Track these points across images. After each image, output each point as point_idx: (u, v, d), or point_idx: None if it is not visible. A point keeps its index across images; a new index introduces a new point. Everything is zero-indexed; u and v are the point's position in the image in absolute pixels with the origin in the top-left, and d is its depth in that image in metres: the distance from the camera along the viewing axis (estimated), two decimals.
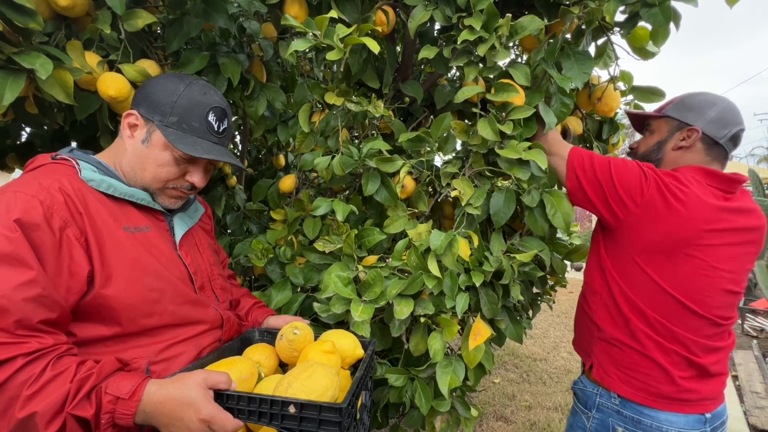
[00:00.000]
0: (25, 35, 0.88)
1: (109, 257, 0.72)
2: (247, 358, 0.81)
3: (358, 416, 0.78)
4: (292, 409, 0.63)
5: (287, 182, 1.57)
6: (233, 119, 2.29)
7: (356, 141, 1.49)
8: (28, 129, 1.63)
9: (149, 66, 1.10)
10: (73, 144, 1.62)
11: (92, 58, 1.03)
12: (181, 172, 0.84)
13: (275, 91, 1.41)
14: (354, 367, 0.91)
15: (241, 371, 0.72)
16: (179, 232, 0.87)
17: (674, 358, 1.01)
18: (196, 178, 0.85)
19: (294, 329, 0.83)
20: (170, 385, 0.64)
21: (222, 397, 0.65)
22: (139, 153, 0.81)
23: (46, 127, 1.58)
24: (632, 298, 1.05)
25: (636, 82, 1.34)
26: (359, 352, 0.89)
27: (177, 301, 0.79)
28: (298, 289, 1.35)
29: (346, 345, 0.87)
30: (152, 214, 0.84)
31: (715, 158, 1.07)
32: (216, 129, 0.84)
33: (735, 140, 1.06)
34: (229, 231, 1.88)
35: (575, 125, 1.36)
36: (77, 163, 0.76)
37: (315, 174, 1.66)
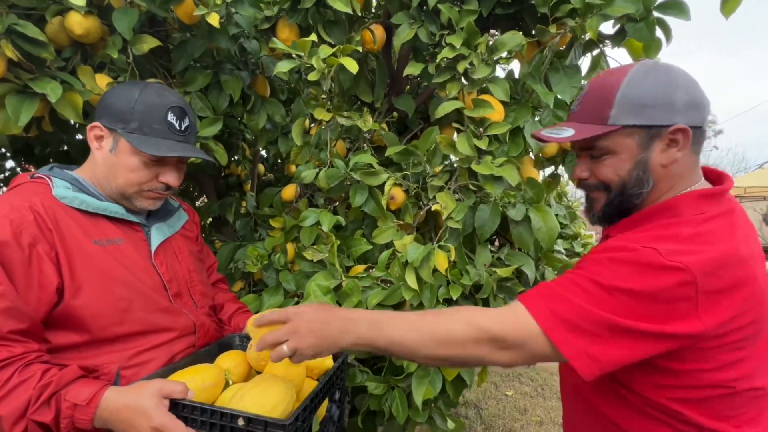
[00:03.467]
0: (39, 63, 0.99)
1: (78, 270, 0.76)
2: (216, 365, 0.85)
3: (316, 428, 0.80)
4: (240, 422, 0.65)
5: (289, 191, 1.64)
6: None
7: (351, 153, 1.53)
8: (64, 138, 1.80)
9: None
10: None
11: (103, 80, 1.14)
12: (153, 175, 0.86)
13: (275, 105, 1.48)
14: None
15: (204, 380, 0.76)
16: (155, 241, 0.92)
17: None
18: (169, 178, 0.88)
19: None
20: (127, 393, 0.68)
21: (178, 406, 0.69)
22: (109, 162, 0.84)
23: (80, 138, 1.74)
24: None
25: None
26: (328, 362, 0.91)
27: (147, 309, 0.84)
28: (291, 295, 1.41)
29: None
30: (128, 225, 0.88)
31: (699, 149, 0.77)
32: (178, 128, 0.86)
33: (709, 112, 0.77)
34: (240, 235, 1.98)
35: (530, 170, 1.27)
36: (51, 181, 0.82)
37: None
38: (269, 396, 0.72)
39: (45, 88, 0.93)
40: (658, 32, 1.07)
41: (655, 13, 1.02)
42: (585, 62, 1.37)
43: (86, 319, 0.76)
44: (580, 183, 0.82)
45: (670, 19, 1.05)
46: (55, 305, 0.75)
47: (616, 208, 0.78)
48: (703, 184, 0.76)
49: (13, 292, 0.70)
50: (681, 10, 1.02)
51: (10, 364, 0.67)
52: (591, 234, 2.91)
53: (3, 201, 0.76)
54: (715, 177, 0.80)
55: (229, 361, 0.89)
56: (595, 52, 1.28)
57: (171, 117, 0.86)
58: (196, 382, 0.75)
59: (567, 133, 0.77)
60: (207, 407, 0.68)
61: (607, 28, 1.16)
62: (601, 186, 0.78)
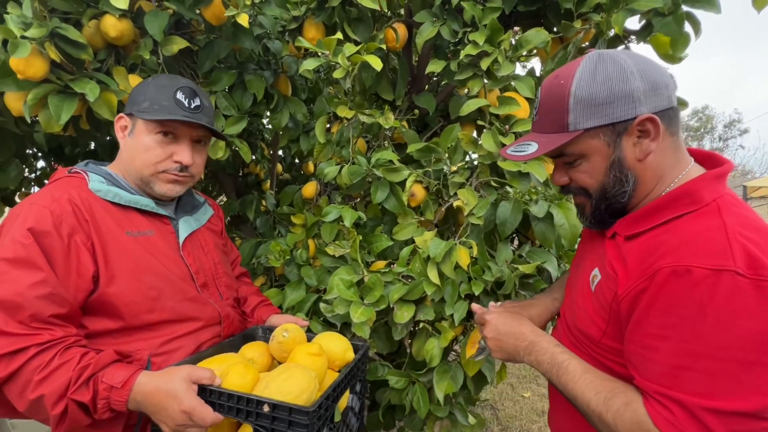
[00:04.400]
0: (78, 64, 1.03)
1: (112, 259, 0.80)
2: (240, 355, 0.88)
3: (338, 418, 0.82)
4: (266, 408, 0.68)
5: (309, 188, 1.67)
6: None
7: (371, 150, 1.55)
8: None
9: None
10: None
11: (136, 81, 1.18)
12: (167, 154, 0.88)
13: (297, 104, 1.51)
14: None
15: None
16: (183, 234, 0.95)
17: None
18: (183, 156, 0.89)
19: (284, 331, 0.88)
20: (158, 377, 0.71)
21: (206, 391, 0.72)
22: (129, 146, 0.89)
23: (109, 138, 1.81)
24: None
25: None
26: (349, 355, 0.93)
27: (176, 298, 0.87)
28: (312, 290, 1.43)
29: (336, 348, 0.91)
30: (158, 218, 0.92)
31: (675, 129, 0.71)
32: (186, 105, 0.88)
33: (675, 86, 0.73)
34: (260, 233, 2.02)
35: (549, 167, 1.17)
36: (87, 176, 0.86)
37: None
38: (293, 384, 0.74)
39: (84, 88, 0.98)
40: (687, 27, 1.05)
41: (684, 7, 1.00)
42: None
43: (119, 306, 0.80)
44: (562, 189, 0.79)
45: (698, 13, 1.04)
46: (91, 293, 0.79)
47: (605, 212, 0.74)
48: (698, 166, 0.72)
49: (54, 278, 0.73)
50: (711, 4, 1.01)
51: (52, 347, 0.71)
52: None
53: (44, 193, 0.81)
54: (704, 158, 0.74)
55: (252, 351, 0.92)
56: (620, 48, 1.27)
57: (180, 95, 0.89)
58: (222, 369, 0.78)
59: (531, 149, 0.74)
60: (234, 393, 0.70)
61: (633, 23, 1.15)
62: (581, 191, 0.75)
